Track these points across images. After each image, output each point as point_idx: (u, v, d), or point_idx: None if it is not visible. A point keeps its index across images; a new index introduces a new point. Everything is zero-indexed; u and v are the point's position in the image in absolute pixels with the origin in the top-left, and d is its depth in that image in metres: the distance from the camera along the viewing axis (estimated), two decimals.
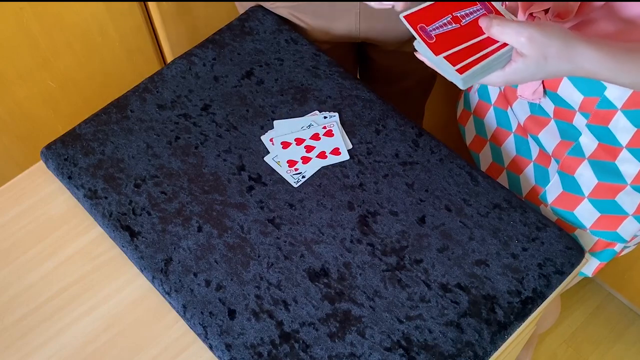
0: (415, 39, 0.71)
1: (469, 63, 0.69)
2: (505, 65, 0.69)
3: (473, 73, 0.68)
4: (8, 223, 0.89)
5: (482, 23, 0.69)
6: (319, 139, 0.91)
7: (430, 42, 0.69)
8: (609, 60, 0.66)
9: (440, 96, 1.44)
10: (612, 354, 1.56)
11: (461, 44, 0.69)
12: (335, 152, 0.90)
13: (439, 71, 0.71)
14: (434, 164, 0.90)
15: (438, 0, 0.72)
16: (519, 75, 0.68)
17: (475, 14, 0.71)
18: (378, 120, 0.94)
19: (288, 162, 0.89)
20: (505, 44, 0.68)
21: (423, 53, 0.71)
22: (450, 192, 0.87)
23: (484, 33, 0.69)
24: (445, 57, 0.69)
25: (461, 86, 0.69)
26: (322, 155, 0.90)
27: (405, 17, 0.71)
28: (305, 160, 0.90)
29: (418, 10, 0.71)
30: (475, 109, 1.03)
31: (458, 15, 0.71)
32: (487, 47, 0.69)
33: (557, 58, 0.66)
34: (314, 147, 0.91)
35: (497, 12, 0.72)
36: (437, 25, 0.70)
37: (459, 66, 0.68)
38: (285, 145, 0.91)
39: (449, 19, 0.71)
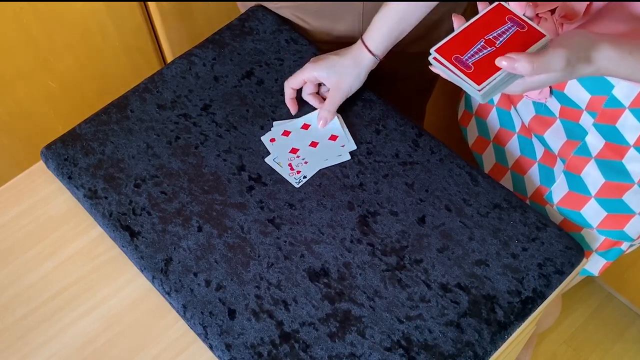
0: (431, 54, 0.68)
1: (487, 75, 0.67)
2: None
3: (493, 87, 0.67)
4: (8, 223, 0.89)
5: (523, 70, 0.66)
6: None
7: (469, 72, 0.67)
8: (627, 57, 0.66)
9: (441, 97, 1.43)
10: (612, 354, 1.56)
11: (500, 69, 0.67)
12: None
13: (455, 83, 0.69)
14: (434, 164, 0.90)
15: (464, 27, 0.69)
16: (541, 84, 0.68)
17: (508, 33, 0.69)
18: (378, 120, 0.94)
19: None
20: None
21: (441, 70, 0.69)
22: (450, 192, 0.87)
23: (522, 50, 0.67)
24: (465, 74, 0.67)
25: (481, 100, 0.68)
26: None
27: (436, 50, 0.68)
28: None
29: (447, 42, 0.69)
30: (477, 110, 1.03)
31: (491, 37, 0.69)
32: None
33: (582, 64, 0.66)
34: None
35: (529, 26, 0.70)
36: (472, 52, 0.68)
37: (472, 73, 0.66)
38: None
39: (482, 43, 0.68)
